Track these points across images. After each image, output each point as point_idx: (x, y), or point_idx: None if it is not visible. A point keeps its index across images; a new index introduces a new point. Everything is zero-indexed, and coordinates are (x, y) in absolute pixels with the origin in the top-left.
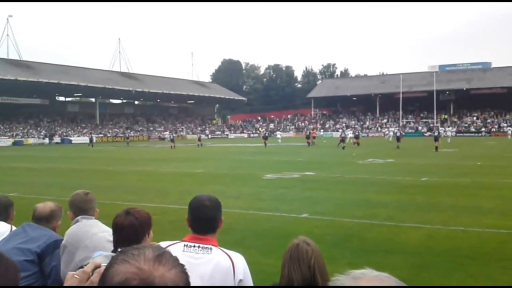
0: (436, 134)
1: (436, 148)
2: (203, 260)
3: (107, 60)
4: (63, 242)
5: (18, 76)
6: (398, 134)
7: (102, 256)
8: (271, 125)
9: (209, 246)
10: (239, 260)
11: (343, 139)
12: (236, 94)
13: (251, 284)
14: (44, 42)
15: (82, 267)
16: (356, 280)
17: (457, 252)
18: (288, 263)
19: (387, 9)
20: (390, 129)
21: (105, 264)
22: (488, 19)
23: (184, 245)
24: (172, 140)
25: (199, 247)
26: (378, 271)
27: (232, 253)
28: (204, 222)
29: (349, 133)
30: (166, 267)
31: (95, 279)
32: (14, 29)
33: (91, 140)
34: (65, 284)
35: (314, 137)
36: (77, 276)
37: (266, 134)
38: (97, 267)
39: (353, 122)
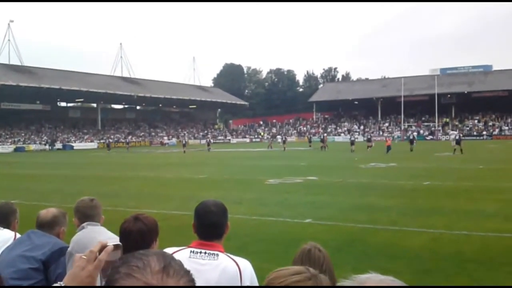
0: (457, 137)
1: (461, 150)
2: (210, 266)
3: (109, 65)
4: (69, 249)
5: (20, 82)
6: (457, 137)
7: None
8: (273, 130)
9: (215, 252)
10: (246, 266)
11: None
12: (238, 99)
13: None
14: (45, 47)
15: None
16: (362, 284)
17: (460, 256)
18: None
19: (387, 12)
20: (451, 132)
21: (111, 244)
22: (489, 22)
23: (191, 251)
24: (184, 145)
25: (205, 253)
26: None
27: (239, 259)
28: (210, 227)
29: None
30: (175, 278)
31: (102, 257)
32: (15, 34)
33: (108, 144)
34: (74, 265)
35: (324, 141)
36: (84, 257)
37: (284, 139)
38: (104, 246)
39: (355, 126)
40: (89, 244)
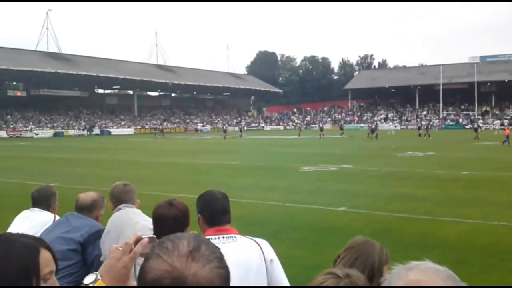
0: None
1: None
2: (231, 248)
3: (144, 53)
4: (106, 226)
5: (58, 69)
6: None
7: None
8: (307, 117)
9: (232, 235)
10: (265, 243)
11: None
12: (271, 86)
13: (280, 265)
14: (82, 35)
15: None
16: (407, 271)
17: (498, 247)
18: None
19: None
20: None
21: (146, 237)
22: None
23: (209, 239)
24: (224, 131)
25: (223, 237)
26: None
27: (257, 238)
28: (222, 213)
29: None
30: (200, 263)
31: (137, 249)
32: (53, 23)
33: (162, 130)
34: (110, 256)
35: (369, 127)
36: (120, 248)
37: (373, 126)
38: (139, 239)
39: (392, 114)
40: (126, 224)
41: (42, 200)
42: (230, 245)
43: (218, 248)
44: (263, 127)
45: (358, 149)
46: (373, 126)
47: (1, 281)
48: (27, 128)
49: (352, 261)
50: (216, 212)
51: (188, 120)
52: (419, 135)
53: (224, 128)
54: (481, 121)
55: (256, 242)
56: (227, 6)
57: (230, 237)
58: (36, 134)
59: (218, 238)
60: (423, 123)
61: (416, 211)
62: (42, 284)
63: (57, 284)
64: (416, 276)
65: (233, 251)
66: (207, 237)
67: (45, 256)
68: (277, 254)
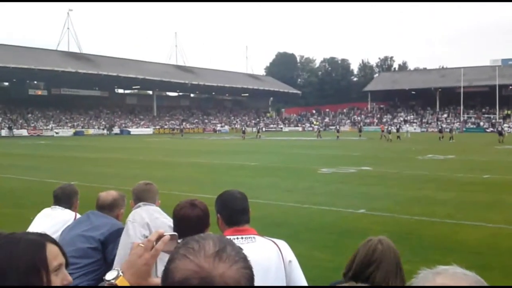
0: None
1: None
2: (250, 249)
3: (164, 53)
4: (128, 218)
5: (79, 69)
6: None
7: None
8: (326, 119)
9: (251, 236)
10: (284, 244)
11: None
12: (290, 87)
13: (299, 266)
14: (103, 35)
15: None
16: (435, 275)
17: None
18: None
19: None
20: None
21: (168, 234)
22: None
23: None
24: (243, 132)
25: (242, 238)
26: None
27: (275, 239)
28: (241, 213)
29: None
30: (227, 263)
31: (159, 247)
32: (74, 23)
33: (182, 130)
34: (131, 252)
35: (383, 131)
36: (142, 245)
37: (338, 128)
38: (161, 236)
39: (412, 116)
40: (147, 218)
41: (64, 198)
42: (248, 245)
43: (242, 249)
44: (281, 128)
45: (378, 151)
46: (388, 128)
47: (12, 279)
48: (48, 127)
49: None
50: (235, 212)
51: (206, 121)
52: (440, 138)
53: (243, 129)
54: (506, 125)
55: (275, 243)
56: (247, 7)
57: (249, 237)
58: (57, 133)
59: (237, 238)
60: (443, 125)
61: (436, 215)
62: (54, 278)
63: (68, 276)
64: (444, 281)
65: (252, 252)
66: (227, 237)
67: (51, 249)
68: (295, 255)
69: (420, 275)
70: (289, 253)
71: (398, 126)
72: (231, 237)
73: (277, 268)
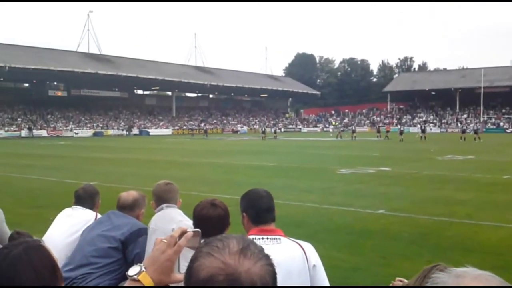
0: None
1: None
2: (274, 250)
3: (183, 54)
4: (151, 226)
5: (99, 70)
6: None
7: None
8: (345, 119)
9: (277, 237)
10: (309, 247)
11: None
12: (309, 88)
13: (323, 271)
14: (122, 36)
15: None
16: (459, 279)
17: None
18: None
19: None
20: None
21: (191, 230)
22: None
23: (253, 239)
24: (263, 132)
25: (267, 238)
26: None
27: (301, 242)
28: (267, 211)
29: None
30: (251, 260)
31: (182, 243)
32: (94, 24)
33: (205, 131)
34: (154, 248)
35: (387, 131)
36: (165, 241)
37: (354, 129)
38: (184, 232)
39: (432, 117)
40: (171, 222)
41: (86, 198)
42: (274, 246)
43: (263, 248)
44: (300, 129)
45: (397, 152)
46: (402, 129)
47: (42, 282)
48: (67, 128)
49: None
50: (261, 210)
51: (225, 121)
52: (463, 138)
53: (263, 129)
54: None
55: (300, 246)
56: (266, 8)
57: (275, 238)
58: (76, 134)
59: (262, 238)
60: (465, 126)
61: (456, 215)
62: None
63: None
64: (472, 282)
65: (277, 253)
66: (252, 236)
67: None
68: None
69: (438, 280)
70: (314, 257)
71: (423, 127)
72: (257, 236)
73: (300, 272)
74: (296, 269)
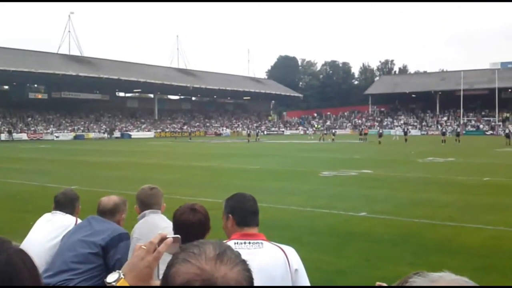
0: (507, 132)
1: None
2: (257, 254)
3: (166, 56)
4: (135, 235)
5: (80, 72)
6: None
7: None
8: (328, 122)
9: (259, 241)
10: (291, 251)
11: None
12: (292, 91)
13: (306, 275)
14: (104, 38)
15: None
16: (433, 283)
17: None
18: None
19: (445, 4)
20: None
21: (171, 236)
22: None
23: (235, 243)
24: (248, 135)
25: (250, 243)
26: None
27: (283, 246)
28: (253, 214)
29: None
30: (228, 266)
31: (162, 249)
32: (75, 26)
33: (190, 134)
34: (133, 255)
35: (366, 134)
36: (144, 247)
37: (334, 131)
38: (164, 238)
39: (412, 119)
40: (155, 229)
41: (66, 203)
42: (256, 251)
43: (240, 254)
44: (283, 131)
45: (378, 154)
46: (381, 131)
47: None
48: (48, 131)
49: None
50: (247, 213)
51: (208, 124)
52: (443, 141)
53: (248, 132)
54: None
55: (282, 250)
56: (249, 10)
57: (257, 243)
58: (57, 137)
59: (245, 243)
60: (446, 128)
61: (438, 217)
62: None
63: None
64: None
65: (259, 257)
66: (234, 240)
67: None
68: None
69: (413, 284)
70: (296, 261)
71: (405, 129)
72: (239, 241)
73: (282, 277)
74: (278, 273)
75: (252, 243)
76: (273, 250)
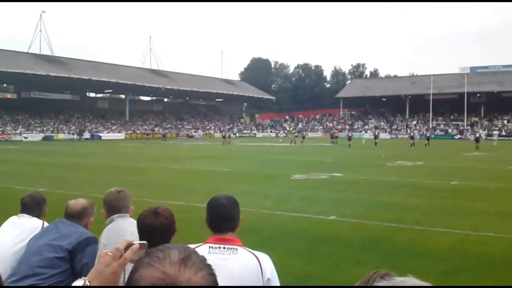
0: (477, 136)
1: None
2: (230, 261)
3: (138, 57)
4: (102, 241)
5: (50, 72)
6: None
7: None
8: (299, 125)
9: (234, 247)
10: (266, 259)
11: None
12: (264, 93)
13: (279, 284)
14: (75, 38)
15: None
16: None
17: (487, 258)
18: None
19: (416, 9)
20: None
21: (137, 242)
22: None
23: (209, 247)
24: (224, 137)
25: (224, 248)
26: (416, 278)
27: (258, 253)
28: (223, 220)
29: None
30: (192, 270)
31: (128, 255)
32: (46, 25)
33: (164, 135)
34: (99, 261)
35: (337, 137)
36: (110, 254)
37: (304, 134)
38: (130, 245)
39: (382, 123)
40: (123, 234)
41: (33, 206)
42: (229, 256)
43: (206, 258)
44: (255, 134)
45: (348, 158)
46: (350, 134)
47: None
48: (17, 132)
49: None
50: (218, 217)
51: (180, 126)
52: (411, 144)
53: (224, 134)
54: (482, 131)
55: (257, 258)
56: (222, 12)
57: (232, 248)
58: (25, 138)
59: (219, 247)
60: (415, 132)
61: (406, 221)
62: None
63: None
64: None
65: (231, 263)
66: (209, 244)
67: None
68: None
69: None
70: (269, 270)
71: (376, 133)
72: (213, 245)
73: (254, 283)
74: (249, 281)
75: (227, 248)
76: (247, 257)
